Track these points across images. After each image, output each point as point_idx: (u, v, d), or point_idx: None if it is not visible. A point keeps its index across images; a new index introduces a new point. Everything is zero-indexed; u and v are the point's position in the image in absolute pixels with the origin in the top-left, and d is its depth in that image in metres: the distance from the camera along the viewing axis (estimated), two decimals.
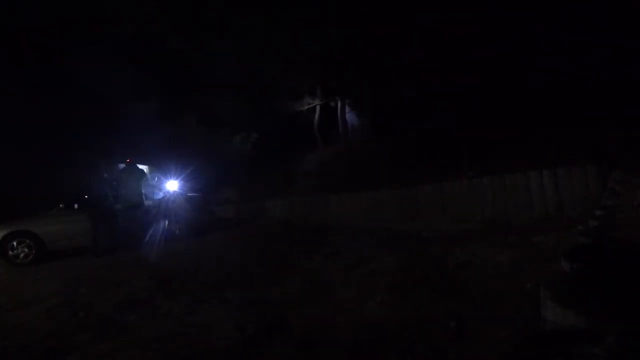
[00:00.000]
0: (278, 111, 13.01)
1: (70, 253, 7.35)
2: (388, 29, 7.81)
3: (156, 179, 8.43)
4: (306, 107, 12.98)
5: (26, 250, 7.06)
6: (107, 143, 11.33)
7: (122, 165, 7.72)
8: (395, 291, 3.14)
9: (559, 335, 1.52)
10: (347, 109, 11.97)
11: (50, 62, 11.78)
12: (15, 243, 7.03)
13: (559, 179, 4.39)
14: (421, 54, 7.52)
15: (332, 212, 8.12)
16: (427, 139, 7.30)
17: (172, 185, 8.13)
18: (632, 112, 4.60)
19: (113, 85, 12.16)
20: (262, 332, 2.67)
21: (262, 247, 6.29)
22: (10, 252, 6.99)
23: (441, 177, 5.88)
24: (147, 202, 7.82)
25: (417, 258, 4.07)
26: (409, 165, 7.28)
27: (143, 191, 7.71)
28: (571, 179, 4.31)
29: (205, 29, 9.39)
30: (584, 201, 4.12)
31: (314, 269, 4.31)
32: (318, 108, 13.11)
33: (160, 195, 8.23)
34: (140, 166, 7.82)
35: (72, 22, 10.96)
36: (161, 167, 8.84)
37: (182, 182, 8.25)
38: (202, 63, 11.22)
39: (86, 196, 7.51)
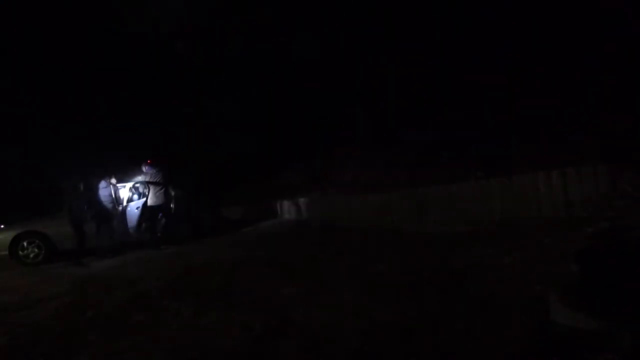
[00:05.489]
0: (285, 112, 13.02)
1: (81, 253, 7.41)
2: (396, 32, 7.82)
3: (164, 180, 8.47)
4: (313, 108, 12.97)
5: (36, 250, 7.16)
6: (113, 144, 11.45)
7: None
8: (403, 292, 3.12)
9: (569, 339, 1.50)
10: (353, 109, 11.95)
11: (60, 62, 11.93)
12: (25, 243, 7.13)
13: (568, 179, 4.32)
14: (429, 54, 7.50)
15: (340, 213, 8.10)
16: (434, 140, 7.26)
17: (180, 187, 8.17)
18: None
19: (122, 85, 12.30)
20: (269, 333, 2.67)
21: (269, 247, 6.30)
22: (20, 252, 7.09)
23: (449, 178, 5.83)
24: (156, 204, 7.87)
25: (425, 259, 4.05)
26: (417, 166, 7.24)
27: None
28: (581, 179, 4.24)
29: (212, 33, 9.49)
30: (594, 202, 4.06)
31: (321, 269, 4.30)
32: (325, 108, 13.09)
33: (169, 196, 8.28)
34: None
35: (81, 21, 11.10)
36: (168, 168, 8.90)
37: (189, 184, 8.28)
38: (210, 63, 11.29)
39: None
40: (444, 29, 7.40)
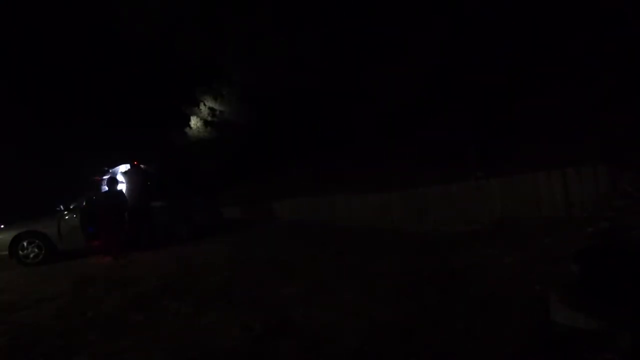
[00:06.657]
0: (285, 111, 13.02)
1: (81, 253, 7.41)
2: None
3: (162, 180, 8.44)
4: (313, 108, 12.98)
5: (36, 250, 7.14)
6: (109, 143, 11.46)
7: (126, 167, 7.78)
8: (403, 292, 3.12)
9: (569, 339, 1.50)
10: (353, 109, 11.95)
11: (60, 62, 11.94)
12: (25, 243, 7.12)
13: (568, 179, 4.32)
14: (432, 54, 7.51)
15: (340, 213, 8.10)
16: (434, 140, 7.27)
17: (179, 187, 8.16)
18: None
19: (122, 85, 12.31)
20: (269, 333, 2.67)
21: (269, 247, 6.29)
22: (20, 252, 7.08)
23: (449, 178, 5.84)
24: (154, 204, 7.85)
25: (425, 259, 4.05)
26: (417, 166, 7.25)
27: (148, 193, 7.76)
28: (581, 179, 4.24)
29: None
30: (594, 202, 4.06)
31: (321, 269, 4.30)
32: (326, 108, 13.09)
33: (168, 196, 8.26)
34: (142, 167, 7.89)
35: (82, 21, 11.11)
36: (167, 169, 8.89)
37: (189, 184, 8.27)
38: (209, 63, 11.30)
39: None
40: (444, 29, 7.39)
